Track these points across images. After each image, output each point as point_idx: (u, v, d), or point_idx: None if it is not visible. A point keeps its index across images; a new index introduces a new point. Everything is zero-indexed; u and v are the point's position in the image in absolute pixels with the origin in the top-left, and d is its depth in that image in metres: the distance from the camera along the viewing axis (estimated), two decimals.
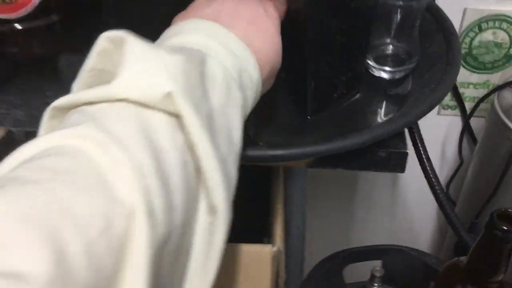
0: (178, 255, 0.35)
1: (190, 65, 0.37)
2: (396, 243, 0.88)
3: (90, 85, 0.37)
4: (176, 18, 0.47)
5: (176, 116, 0.35)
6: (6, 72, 0.64)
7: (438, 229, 1.23)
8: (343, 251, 0.87)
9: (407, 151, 0.56)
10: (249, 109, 0.45)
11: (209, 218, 0.36)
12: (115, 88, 0.34)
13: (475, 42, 0.93)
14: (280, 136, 0.57)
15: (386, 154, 0.56)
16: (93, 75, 0.38)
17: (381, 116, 0.58)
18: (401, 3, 0.59)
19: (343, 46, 0.54)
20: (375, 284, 0.81)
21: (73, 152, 0.31)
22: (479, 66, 0.96)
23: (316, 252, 0.94)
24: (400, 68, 0.62)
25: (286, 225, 0.68)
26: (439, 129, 1.06)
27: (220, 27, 0.44)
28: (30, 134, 0.48)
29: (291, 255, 0.77)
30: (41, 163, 0.30)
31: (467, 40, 0.93)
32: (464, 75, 0.97)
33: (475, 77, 0.97)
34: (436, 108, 1.02)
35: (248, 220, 0.79)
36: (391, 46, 0.63)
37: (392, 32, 0.62)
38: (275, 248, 0.57)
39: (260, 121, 0.58)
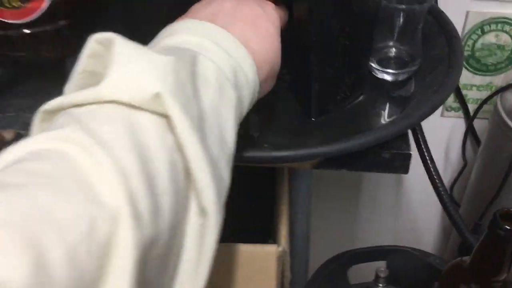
0: (167, 258, 0.34)
1: (180, 65, 0.37)
2: (400, 244, 0.89)
3: (82, 87, 0.36)
4: (176, 21, 0.47)
5: (166, 117, 0.35)
6: (15, 75, 0.65)
7: (442, 230, 1.23)
8: (347, 251, 0.87)
9: (411, 152, 0.57)
10: (245, 109, 0.45)
11: (200, 220, 0.36)
12: (103, 90, 0.34)
13: (478, 45, 0.94)
14: (285, 137, 0.57)
15: (389, 155, 0.56)
16: (84, 77, 0.38)
17: (384, 117, 0.59)
18: (403, 6, 0.60)
19: (346, 49, 0.55)
20: (380, 285, 0.82)
21: (56, 156, 0.30)
22: (482, 68, 0.97)
23: (321, 252, 0.95)
24: (403, 71, 0.62)
25: (291, 226, 0.69)
26: (443, 131, 1.06)
27: (215, 27, 0.44)
28: None
29: (296, 255, 0.78)
30: (23, 167, 0.29)
31: (470, 42, 0.94)
32: (467, 77, 0.98)
33: (478, 79, 0.98)
34: (440, 110, 1.03)
35: (253, 221, 0.80)
36: (394, 49, 0.64)
37: (395, 35, 0.62)
38: (280, 248, 0.57)
39: (265, 123, 0.59)
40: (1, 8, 0.56)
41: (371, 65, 0.63)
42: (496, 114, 0.88)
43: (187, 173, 0.35)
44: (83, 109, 0.34)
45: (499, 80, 0.98)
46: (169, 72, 0.35)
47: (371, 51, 0.60)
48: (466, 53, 0.95)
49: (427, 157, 0.65)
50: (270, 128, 0.58)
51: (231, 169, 0.41)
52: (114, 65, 0.35)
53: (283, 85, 0.62)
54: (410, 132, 0.62)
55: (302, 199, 0.73)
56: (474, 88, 0.99)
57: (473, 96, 1.00)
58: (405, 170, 0.58)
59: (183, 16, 0.48)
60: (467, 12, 0.91)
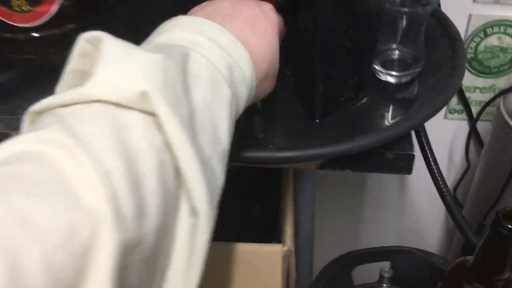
0: (154, 261, 0.33)
1: (169, 63, 0.36)
2: (404, 245, 0.89)
3: (72, 87, 0.35)
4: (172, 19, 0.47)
5: (154, 115, 0.34)
6: (24, 78, 0.66)
7: (446, 230, 1.23)
8: (351, 252, 0.88)
9: (414, 153, 0.57)
10: (242, 105, 0.44)
11: (191, 220, 0.35)
12: (89, 89, 0.33)
13: (481, 47, 0.95)
14: (289, 139, 0.58)
15: (393, 156, 0.57)
16: (74, 77, 0.37)
17: (388, 119, 0.59)
18: (406, 9, 0.60)
19: (350, 52, 0.56)
20: (384, 285, 0.82)
21: (37, 158, 0.30)
22: (484, 71, 0.97)
23: (325, 253, 0.95)
24: (406, 73, 0.63)
25: (295, 227, 0.69)
26: (446, 133, 1.07)
27: (210, 23, 0.43)
28: None
29: (301, 256, 0.78)
30: (2, 171, 0.29)
31: (473, 45, 0.94)
32: (470, 80, 0.98)
33: (481, 82, 0.99)
34: (443, 112, 1.03)
35: (258, 222, 0.80)
36: (397, 51, 0.64)
37: (398, 37, 0.63)
38: (285, 248, 0.58)
39: (269, 125, 0.59)
40: (11, 12, 0.57)
41: (375, 68, 0.63)
42: (499, 116, 0.89)
43: (177, 173, 0.35)
44: (68, 109, 0.33)
45: (502, 82, 0.98)
46: (157, 70, 0.35)
47: (375, 53, 0.61)
48: (469, 56, 0.95)
49: (431, 159, 0.65)
50: (275, 130, 0.58)
51: (225, 167, 0.41)
52: (101, 63, 0.34)
53: (288, 87, 0.62)
54: (413, 134, 0.62)
55: (306, 200, 0.73)
56: (477, 90, 1.00)
57: (476, 98, 1.01)
58: (409, 170, 0.58)
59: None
60: (470, 15, 0.91)
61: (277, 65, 0.49)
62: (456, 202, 0.92)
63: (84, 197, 0.28)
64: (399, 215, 1.21)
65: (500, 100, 0.91)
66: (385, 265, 0.86)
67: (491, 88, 0.99)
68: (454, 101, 1.01)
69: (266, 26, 0.47)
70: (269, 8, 0.49)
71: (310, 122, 0.59)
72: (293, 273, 0.61)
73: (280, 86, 0.62)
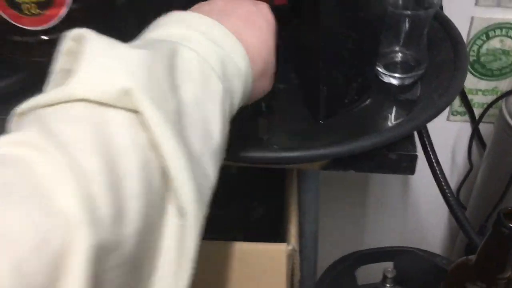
0: (138, 265, 0.32)
1: (155, 58, 0.35)
2: (407, 245, 0.90)
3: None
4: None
5: (138, 113, 0.33)
6: (32, 80, 0.67)
7: (449, 231, 1.24)
8: (355, 252, 0.89)
9: (417, 153, 0.58)
10: (237, 100, 0.43)
11: (179, 221, 0.34)
12: (70, 88, 0.32)
13: (483, 50, 0.95)
14: (293, 140, 0.58)
15: (396, 157, 0.58)
16: (62, 76, 0.36)
17: (391, 120, 0.60)
18: (409, 12, 0.61)
19: (354, 54, 0.56)
20: (387, 285, 0.83)
21: (11, 161, 0.29)
22: (487, 73, 0.98)
23: (328, 253, 0.96)
24: (409, 75, 0.64)
25: (299, 227, 0.70)
26: (449, 135, 1.07)
27: (204, 18, 0.43)
28: None
29: (305, 256, 0.79)
30: None
31: (475, 47, 0.95)
32: (472, 82, 0.99)
33: (483, 84, 0.99)
34: (446, 115, 1.04)
35: (263, 223, 0.81)
36: (400, 54, 0.65)
37: (401, 40, 0.64)
38: (290, 247, 0.58)
39: (274, 126, 0.60)
40: (21, 15, 0.58)
41: (378, 70, 0.64)
42: (501, 118, 0.89)
43: (164, 172, 0.33)
44: (50, 109, 0.32)
45: (504, 84, 0.99)
46: (141, 66, 0.34)
47: (378, 56, 0.62)
48: (471, 58, 0.96)
49: (433, 160, 0.66)
50: (279, 131, 0.59)
51: (219, 163, 0.40)
52: (83, 61, 0.33)
53: (292, 89, 0.63)
54: (416, 136, 0.63)
55: (310, 200, 0.74)
56: (479, 92, 1.01)
57: (478, 100, 1.01)
58: (411, 171, 0.59)
59: None
60: (472, 18, 0.92)
61: (273, 66, 0.49)
62: (459, 203, 0.93)
63: (58, 201, 0.27)
64: (402, 216, 1.21)
65: (502, 102, 0.92)
66: (389, 265, 0.86)
67: (493, 90, 1.00)
68: (456, 103, 1.02)
69: (262, 23, 0.47)
70: (265, 7, 0.50)
71: (314, 123, 0.59)
72: (297, 272, 0.61)
73: (284, 88, 0.63)
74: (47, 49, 0.63)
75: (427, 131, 0.66)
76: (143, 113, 0.33)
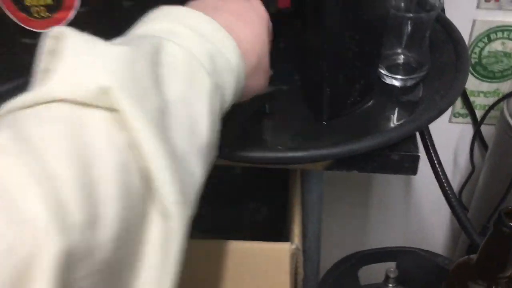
0: (116, 272, 0.31)
1: (136, 54, 0.34)
2: (410, 245, 0.90)
3: None
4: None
5: (118, 112, 0.32)
6: None
7: (451, 232, 1.24)
8: (358, 252, 0.89)
9: (419, 154, 0.59)
10: (229, 96, 0.42)
11: (163, 223, 0.33)
12: (48, 88, 0.31)
13: (485, 52, 0.96)
14: (297, 141, 0.59)
15: (399, 157, 0.58)
16: (44, 77, 0.34)
17: (393, 121, 0.60)
18: (411, 15, 0.62)
19: (357, 56, 0.57)
20: (390, 285, 0.83)
21: None
22: (488, 75, 0.99)
23: (331, 254, 0.97)
24: (411, 76, 0.64)
25: (303, 228, 0.71)
26: (451, 136, 1.08)
27: (193, 12, 0.41)
28: None
29: (308, 257, 0.79)
30: None
31: (477, 50, 0.96)
32: (474, 84, 1.00)
33: (485, 86, 1.00)
34: (448, 116, 1.05)
35: (266, 223, 0.82)
36: (402, 56, 0.66)
37: (403, 42, 0.64)
38: (294, 246, 0.59)
39: (278, 127, 0.61)
40: (30, 18, 0.59)
41: (381, 71, 0.64)
42: (503, 120, 0.90)
43: (145, 174, 0.32)
44: (28, 111, 0.31)
45: (505, 86, 0.99)
46: (121, 63, 0.33)
47: (380, 58, 0.62)
48: (473, 61, 0.97)
49: (435, 161, 0.66)
50: (283, 132, 0.59)
51: (208, 160, 0.38)
52: (61, 60, 0.32)
53: (295, 90, 0.64)
54: (419, 137, 0.63)
55: (313, 201, 0.74)
56: (481, 94, 1.01)
57: (480, 102, 1.02)
58: (414, 171, 0.59)
59: None
60: (474, 21, 0.93)
61: (266, 62, 0.48)
62: (461, 205, 0.93)
63: (26, 208, 0.26)
64: (404, 216, 1.22)
65: (503, 104, 0.93)
66: (391, 265, 0.87)
67: (495, 92, 1.00)
68: (458, 105, 1.03)
69: (254, 18, 0.47)
70: (257, 2, 0.49)
71: (318, 124, 0.60)
72: (301, 271, 0.62)
73: (287, 89, 0.64)
74: None
75: (429, 133, 0.67)
76: (122, 112, 0.31)
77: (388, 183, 1.16)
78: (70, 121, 0.30)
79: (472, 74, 0.98)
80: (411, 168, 0.59)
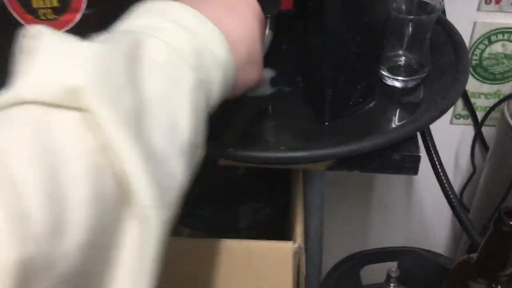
0: (83, 281, 0.29)
1: (113, 52, 0.33)
2: (411, 245, 0.91)
3: None
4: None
5: (89, 112, 0.30)
6: None
7: (452, 232, 1.25)
8: (359, 252, 0.89)
9: (420, 154, 0.59)
10: (216, 90, 0.40)
11: (140, 227, 0.31)
12: (17, 90, 0.30)
13: (485, 54, 0.97)
14: (299, 141, 0.59)
15: (400, 157, 0.59)
16: (18, 78, 0.33)
17: (395, 122, 0.61)
18: (412, 17, 0.62)
19: (358, 57, 0.57)
20: (391, 285, 0.83)
21: None
22: (489, 77, 0.99)
23: (333, 253, 0.97)
24: (412, 78, 0.65)
25: (305, 228, 0.71)
26: (452, 138, 1.08)
27: (177, 5, 0.40)
28: None
29: (310, 257, 0.80)
30: None
31: (478, 52, 0.96)
32: (475, 86, 1.00)
33: (485, 88, 1.01)
34: (449, 118, 1.05)
35: (268, 223, 0.82)
36: (403, 57, 0.66)
37: (404, 44, 0.65)
38: (296, 245, 0.59)
39: (280, 128, 0.61)
40: (37, 20, 0.59)
41: (382, 73, 0.65)
42: (504, 121, 0.91)
43: (119, 176, 0.31)
44: None
45: (506, 88, 1.00)
46: (95, 61, 0.31)
47: (382, 59, 0.63)
48: (474, 62, 0.97)
49: (436, 161, 0.67)
50: (285, 133, 0.60)
51: (190, 160, 0.37)
52: (32, 60, 0.31)
53: (297, 91, 0.64)
54: (420, 138, 0.64)
55: (315, 201, 0.75)
56: (482, 96, 1.02)
57: (481, 104, 1.02)
58: (415, 171, 0.60)
59: None
60: (475, 23, 0.93)
61: (258, 54, 0.46)
62: (462, 205, 0.93)
63: None
64: (406, 216, 1.22)
65: (504, 106, 0.93)
66: (393, 265, 0.87)
67: (495, 94, 1.01)
68: (459, 107, 1.03)
69: (243, 9, 0.45)
70: None
71: (319, 124, 0.60)
72: (303, 270, 0.62)
73: (289, 90, 0.65)
74: None
75: (430, 133, 0.67)
76: (94, 113, 0.30)
77: (389, 184, 1.16)
78: (37, 124, 0.29)
79: (473, 76, 0.98)
80: (412, 168, 0.60)
